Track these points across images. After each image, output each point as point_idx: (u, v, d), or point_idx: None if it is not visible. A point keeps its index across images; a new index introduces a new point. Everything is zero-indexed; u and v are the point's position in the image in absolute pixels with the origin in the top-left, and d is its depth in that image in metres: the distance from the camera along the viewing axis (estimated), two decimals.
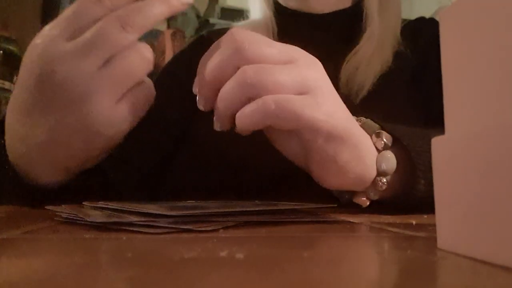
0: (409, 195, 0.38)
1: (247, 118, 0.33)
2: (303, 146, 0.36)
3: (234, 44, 0.33)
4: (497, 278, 0.15)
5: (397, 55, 0.58)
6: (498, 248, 0.16)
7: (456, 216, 0.19)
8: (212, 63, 0.34)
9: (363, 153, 0.37)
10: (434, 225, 0.20)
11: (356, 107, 0.53)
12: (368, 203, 0.40)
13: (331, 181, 0.38)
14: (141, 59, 0.33)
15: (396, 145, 0.39)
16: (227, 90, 0.33)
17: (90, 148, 0.35)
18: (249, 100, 0.33)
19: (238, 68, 0.33)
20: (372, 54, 0.57)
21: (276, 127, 0.34)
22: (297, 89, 0.33)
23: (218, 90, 0.34)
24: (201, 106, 0.36)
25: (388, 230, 0.27)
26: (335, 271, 0.16)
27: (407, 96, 0.58)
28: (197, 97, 0.36)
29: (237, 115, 0.34)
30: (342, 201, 0.41)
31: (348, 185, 0.38)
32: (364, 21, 0.59)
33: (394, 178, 0.38)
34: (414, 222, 0.30)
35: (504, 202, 0.15)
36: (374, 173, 0.38)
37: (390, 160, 0.38)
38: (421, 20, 0.66)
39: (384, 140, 0.38)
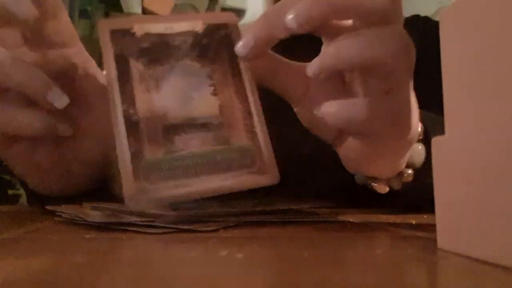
0: (422, 189, 0.37)
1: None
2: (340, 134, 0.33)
3: None
4: (498, 278, 0.15)
5: None
6: (499, 248, 0.16)
7: (456, 216, 0.19)
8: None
9: (406, 150, 0.35)
10: (434, 225, 0.20)
11: None
12: (386, 191, 0.38)
13: (360, 167, 0.36)
14: None
15: (426, 137, 0.37)
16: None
17: None
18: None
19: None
20: None
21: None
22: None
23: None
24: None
25: (388, 230, 0.27)
26: (335, 271, 0.16)
27: None
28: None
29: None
30: (358, 181, 0.39)
31: (375, 170, 0.37)
32: None
33: (421, 170, 0.37)
34: (414, 222, 0.30)
35: (505, 202, 0.15)
36: (404, 164, 0.36)
37: (420, 154, 0.37)
38: (415, 17, 0.65)
39: (419, 130, 0.36)
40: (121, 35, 0.31)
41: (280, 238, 0.24)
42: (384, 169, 0.36)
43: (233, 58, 0.31)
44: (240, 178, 0.28)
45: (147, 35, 0.32)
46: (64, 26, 0.35)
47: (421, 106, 0.40)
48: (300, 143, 0.38)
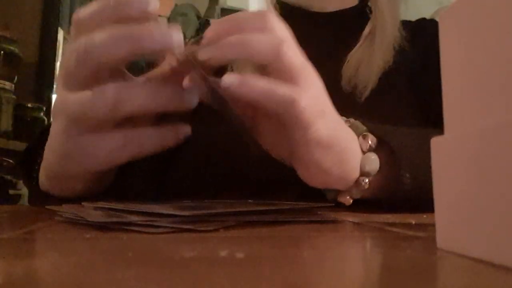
0: (394, 191, 0.40)
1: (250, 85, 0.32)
2: (288, 145, 0.37)
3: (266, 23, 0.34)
4: (497, 278, 0.15)
5: (397, 54, 0.58)
6: (498, 248, 0.16)
7: (455, 216, 0.19)
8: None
9: (347, 156, 0.38)
10: (434, 225, 0.20)
11: (359, 105, 0.54)
12: (351, 202, 0.41)
13: (314, 180, 0.39)
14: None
15: (382, 146, 0.40)
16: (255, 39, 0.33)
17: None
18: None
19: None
20: (373, 52, 0.57)
21: (262, 106, 0.34)
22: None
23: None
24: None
25: (388, 230, 0.27)
26: (335, 271, 0.16)
27: (407, 95, 0.58)
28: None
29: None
30: (329, 198, 0.42)
31: (331, 184, 0.40)
32: (369, 19, 0.59)
33: (378, 177, 0.40)
34: (413, 222, 0.30)
35: (504, 202, 0.15)
36: (358, 174, 0.39)
37: (373, 162, 0.39)
38: (422, 21, 0.66)
39: (370, 142, 0.40)
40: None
41: (280, 238, 0.24)
42: (337, 178, 0.39)
43: None
44: None
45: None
46: None
47: (425, 110, 0.42)
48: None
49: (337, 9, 0.62)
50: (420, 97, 0.58)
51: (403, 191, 0.39)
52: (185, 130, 0.35)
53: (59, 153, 0.35)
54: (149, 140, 0.34)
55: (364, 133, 0.40)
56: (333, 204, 0.35)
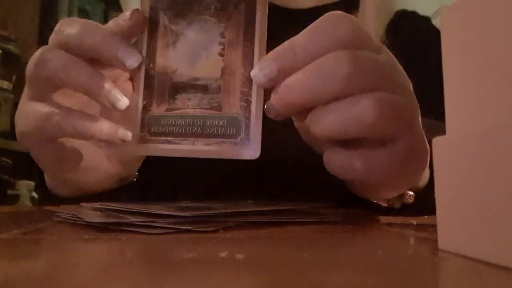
0: (424, 205, 0.36)
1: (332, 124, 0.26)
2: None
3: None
4: (499, 279, 0.15)
5: None
6: (500, 249, 0.16)
7: (457, 216, 0.19)
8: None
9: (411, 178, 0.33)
10: (435, 225, 0.20)
11: None
12: (386, 206, 0.39)
13: (360, 192, 0.37)
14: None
15: None
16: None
17: None
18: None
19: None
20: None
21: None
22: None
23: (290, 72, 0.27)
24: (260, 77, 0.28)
25: (389, 231, 0.27)
26: (335, 272, 0.16)
27: None
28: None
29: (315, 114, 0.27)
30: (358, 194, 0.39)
31: (378, 198, 0.38)
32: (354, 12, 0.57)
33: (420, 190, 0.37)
34: (415, 223, 0.30)
35: (505, 203, 0.15)
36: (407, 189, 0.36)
37: (425, 176, 0.36)
38: (402, 13, 0.64)
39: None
40: None
41: (280, 238, 0.24)
42: (386, 195, 0.36)
43: (250, 18, 0.31)
44: (221, 147, 0.29)
45: None
46: None
47: (425, 110, 0.40)
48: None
49: (314, 6, 0.59)
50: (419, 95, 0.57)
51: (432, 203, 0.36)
52: (127, 134, 0.31)
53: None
54: (82, 122, 0.31)
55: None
56: (333, 205, 0.35)
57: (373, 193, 0.36)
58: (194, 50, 0.31)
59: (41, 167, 0.36)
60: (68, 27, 0.31)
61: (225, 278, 0.15)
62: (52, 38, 0.32)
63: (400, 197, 0.37)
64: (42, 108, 0.31)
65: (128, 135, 0.31)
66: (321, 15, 0.28)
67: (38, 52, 0.31)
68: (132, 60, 0.30)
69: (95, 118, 0.31)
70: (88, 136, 0.31)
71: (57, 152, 0.34)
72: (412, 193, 0.37)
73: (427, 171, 0.36)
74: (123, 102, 0.31)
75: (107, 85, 0.30)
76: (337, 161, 0.28)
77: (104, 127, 0.31)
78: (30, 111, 0.32)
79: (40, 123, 0.31)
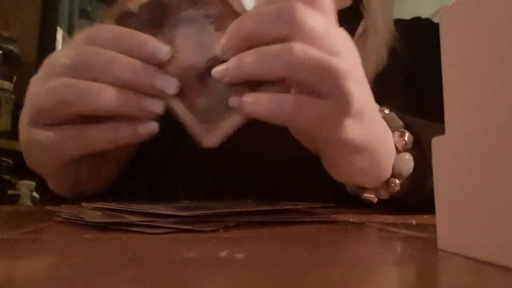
0: (419, 194, 0.37)
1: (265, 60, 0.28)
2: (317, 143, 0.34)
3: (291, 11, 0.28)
4: (498, 279, 0.15)
5: (392, 55, 0.58)
6: (499, 249, 0.16)
7: (456, 216, 0.19)
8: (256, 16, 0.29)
9: (380, 159, 0.35)
10: (435, 225, 0.20)
11: None
12: (376, 201, 0.39)
13: (342, 178, 0.37)
14: None
15: (416, 144, 0.37)
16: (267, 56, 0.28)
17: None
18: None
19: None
20: (366, 53, 0.56)
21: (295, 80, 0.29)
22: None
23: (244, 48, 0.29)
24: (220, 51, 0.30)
25: (388, 230, 0.27)
26: (335, 272, 0.16)
27: (403, 96, 0.58)
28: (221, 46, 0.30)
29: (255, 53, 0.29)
30: (350, 191, 0.40)
31: (359, 183, 0.38)
32: (361, 18, 0.58)
33: (408, 179, 0.38)
34: (414, 222, 0.30)
35: (505, 202, 0.15)
36: (389, 175, 0.37)
37: (408, 163, 0.37)
38: (416, 20, 0.65)
39: (406, 139, 0.37)
40: (124, 18, 0.32)
41: (280, 238, 0.24)
42: (366, 178, 0.37)
43: None
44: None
45: (143, 6, 0.33)
46: None
47: (422, 111, 0.40)
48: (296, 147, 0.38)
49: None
50: (417, 98, 0.57)
51: (428, 194, 0.37)
52: (149, 126, 0.32)
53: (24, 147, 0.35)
54: (101, 134, 0.32)
55: (401, 130, 0.37)
56: (333, 204, 0.35)
57: (347, 173, 0.36)
58: (195, 41, 0.32)
59: (55, 187, 0.37)
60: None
61: (225, 277, 0.15)
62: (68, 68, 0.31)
63: (387, 185, 0.38)
64: (58, 132, 0.32)
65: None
66: (337, 19, 0.31)
67: (52, 86, 0.31)
68: (172, 88, 0.31)
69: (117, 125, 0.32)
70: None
71: (75, 170, 0.35)
72: (398, 181, 0.37)
73: (407, 159, 0.37)
74: (175, 82, 0.31)
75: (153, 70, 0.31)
76: (266, 102, 0.29)
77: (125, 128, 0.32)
78: (42, 138, 0.32)
79: (58, 148, 0.32)
